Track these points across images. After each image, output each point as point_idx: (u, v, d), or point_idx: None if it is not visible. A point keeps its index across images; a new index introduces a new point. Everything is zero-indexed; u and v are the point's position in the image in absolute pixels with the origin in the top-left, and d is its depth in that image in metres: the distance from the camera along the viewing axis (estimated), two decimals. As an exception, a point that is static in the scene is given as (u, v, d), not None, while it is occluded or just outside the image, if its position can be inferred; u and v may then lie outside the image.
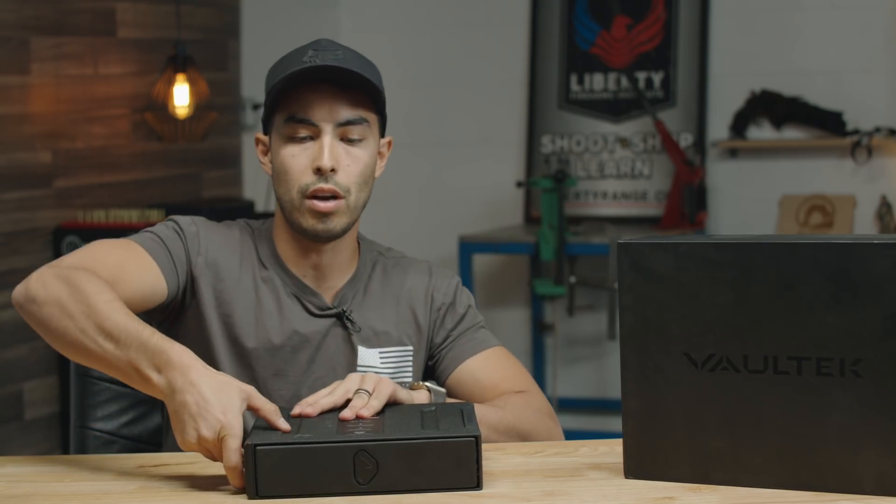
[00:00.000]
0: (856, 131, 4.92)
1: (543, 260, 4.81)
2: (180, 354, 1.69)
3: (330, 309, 2.06)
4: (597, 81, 5.26)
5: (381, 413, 1.79)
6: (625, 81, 5.20)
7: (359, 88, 1.98)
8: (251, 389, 1.70)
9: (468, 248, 4.95)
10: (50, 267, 1.85)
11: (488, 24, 5.41)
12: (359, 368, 2.05)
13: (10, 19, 4.42)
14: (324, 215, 1.98)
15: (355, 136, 1.99)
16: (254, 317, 2.03)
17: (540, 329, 5.30)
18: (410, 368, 2.10)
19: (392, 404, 1.82)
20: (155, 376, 1.70)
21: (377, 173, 2.05)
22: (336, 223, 1.99)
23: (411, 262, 2.15)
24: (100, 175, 4.79)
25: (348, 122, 1.98)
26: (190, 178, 5.14)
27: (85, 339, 1.75)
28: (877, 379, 1.58)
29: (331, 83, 1.97)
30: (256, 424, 1.75)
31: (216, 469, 1.81)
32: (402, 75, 5.43)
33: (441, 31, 5.44)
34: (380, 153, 2.06)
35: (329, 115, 1.97)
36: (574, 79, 5.29)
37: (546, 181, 4.80)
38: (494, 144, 5.42)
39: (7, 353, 4.46)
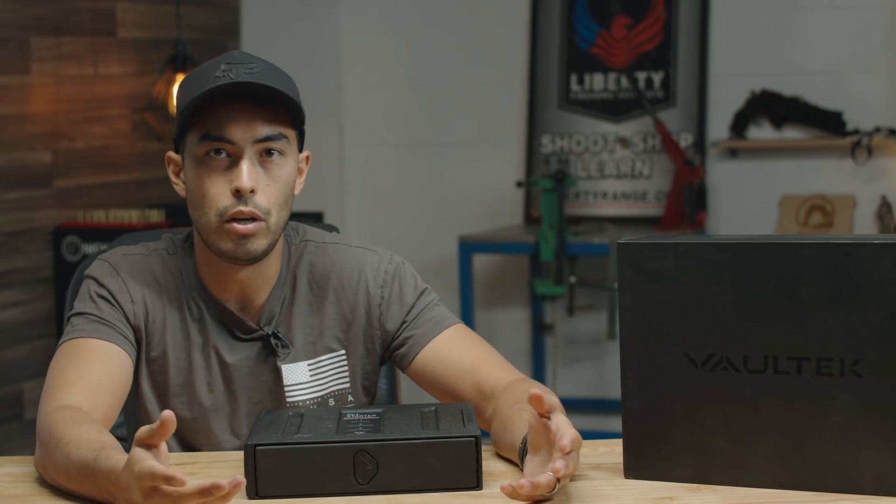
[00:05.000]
0: (856, 131, 4.92)
1: (543, 260, 4.80)
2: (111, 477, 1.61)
3: (256, 331, 2.00)
4: (597, 81, 5.26)
5: (380, 413, 1.79)
6: (625, 81, 5.20)
7: (276, 104, 1.89)
8: (144, 468, 1.51)
9: (468, 248, 4.94)
10: (38, 424, 1.80)
11: (488, 25, 5.40)
12: (286, 388, 1.99)
13: (10, 19, 4.42)
14: (243, 237, 1.89)
15: (274, 153, 1.89)
16: (185, 363, 1.98)
17: (540, 329, 5.29)
18: (347, 371, 2.03)
19: (394, 405, 1.81)
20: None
21: (297, 190, 1.96)
22: (257, 245, 1.90)
23: (338, 250, 2.04)
24: (100, 175, 4.79)
25: (266, 139, 1.88)
26: (190, 178, 5.13)
27: (73, 486, 1.70)
28: (877, 379, 1.58)
29: (247, 99, 1.88)
30: (256, 424, 1.75)
31: (215, 470, 1.81)
32: (402, 75, 5.42)
33: (441, 31, 5.43)
34: (299, 169, 1.97)
35: (246, 132, 1.87)
36: (574, 79, 5.29)
37: (546, 181, 4.79)
38: (494, 144, 5.42)
39: (7, 353, 4.45)
